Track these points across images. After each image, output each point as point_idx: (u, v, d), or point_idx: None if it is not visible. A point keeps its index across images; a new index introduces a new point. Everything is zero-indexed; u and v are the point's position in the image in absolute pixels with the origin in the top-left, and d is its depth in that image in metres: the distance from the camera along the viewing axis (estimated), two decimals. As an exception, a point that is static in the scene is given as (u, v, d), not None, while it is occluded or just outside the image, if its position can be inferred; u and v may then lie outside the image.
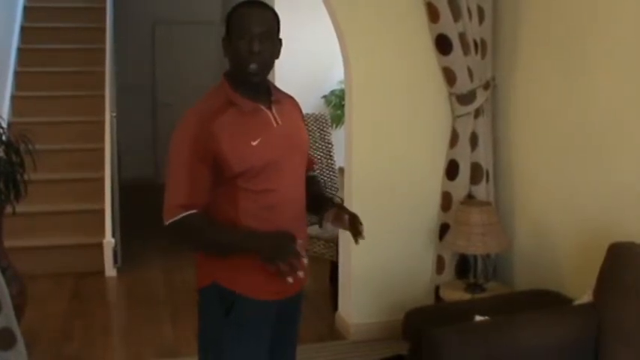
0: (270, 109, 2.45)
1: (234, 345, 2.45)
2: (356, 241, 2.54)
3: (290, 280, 2.26)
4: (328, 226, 2.63)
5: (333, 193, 5.63)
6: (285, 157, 2.44)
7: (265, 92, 2.47)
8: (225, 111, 2.35)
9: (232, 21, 2.37)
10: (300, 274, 2.28)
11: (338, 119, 6.41)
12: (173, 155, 2.37)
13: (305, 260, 2.31)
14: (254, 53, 2.33)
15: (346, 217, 2.56)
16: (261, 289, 2.45)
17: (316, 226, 5.36)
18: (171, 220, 2.33)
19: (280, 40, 2.46)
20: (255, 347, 2.49)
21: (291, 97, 2.62)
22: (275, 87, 2.54)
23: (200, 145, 2.31)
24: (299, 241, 2.35)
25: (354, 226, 2.53)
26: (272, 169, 2.41)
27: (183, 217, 2.32)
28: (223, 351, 2.45)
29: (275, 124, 2.45)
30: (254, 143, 2.36)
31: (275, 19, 2.43)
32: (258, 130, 2.39)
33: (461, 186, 4.47)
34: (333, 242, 5.00)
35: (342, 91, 5.65)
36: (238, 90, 2.39)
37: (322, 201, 2.67)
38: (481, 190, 4.45)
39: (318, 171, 5.59)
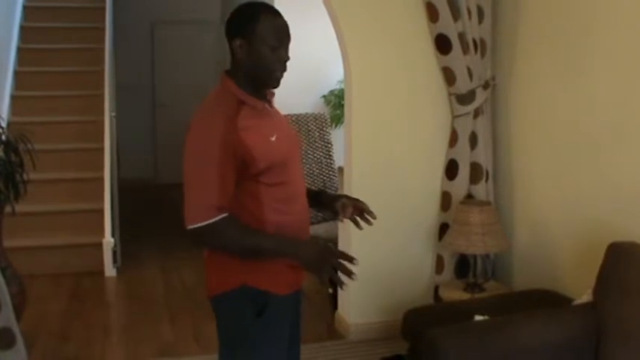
0: (271, 108, 2.52)
1: (268, 344, 2.46)
2: (359, 226, 2.65)
3: (344, 285, 2.30)
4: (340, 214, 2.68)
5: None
6: (291, 152, 2.52)
7: (264, 94, 2.51)
8: (241, 110, 2.37)
9: (261, 28, 2.37)
10: (354, 276, 2.32)
11: (337, 119, 6.41)
12: (200, 155, 2.32)
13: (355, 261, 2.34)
14: (284, 63, 2.40)
15: (350, 207, 2.66)
16: (284, 283, 2.48)
17: (316, 226, 5.38)
18: (205, 223, 2.28)
19: None
20: (284, 344, 2.53)
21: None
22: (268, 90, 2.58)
23: (229, 145, 2.29)
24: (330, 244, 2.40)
25: (362, 213, 2.64)
26: (288, 163, 2.47)
27: (220, 219, 2.28)
28: (258, 351, 2.44)
29: (278, 121, 2.53)
30: (272, 139, 2.41)
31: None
32: (272, 127, 2.45)
33: (460, 186, 4.47)
34: (333, 242, 5.00)
35: (342, 90, 5.65)
36: (246, 90, 2.41)
37: (318, 195, 2.75)
38: (480, 190, 4.45)
39: (317, 171, 5.59)
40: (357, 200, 2.69)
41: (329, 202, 2.70)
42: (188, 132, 2.36)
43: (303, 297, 2.70)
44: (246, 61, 2.39)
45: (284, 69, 2.42)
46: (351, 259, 2.34)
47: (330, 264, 2.30)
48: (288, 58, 2.42)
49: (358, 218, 2.66)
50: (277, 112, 2.58)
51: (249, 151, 2.31)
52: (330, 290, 5.00)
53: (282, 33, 2.40)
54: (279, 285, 2.45)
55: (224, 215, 2.29)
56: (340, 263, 2.33)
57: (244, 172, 2.34)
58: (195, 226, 2.28)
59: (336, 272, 2.31)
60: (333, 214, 2.70)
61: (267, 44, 2.37)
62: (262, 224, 2.40)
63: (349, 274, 2.31)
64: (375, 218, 2.61)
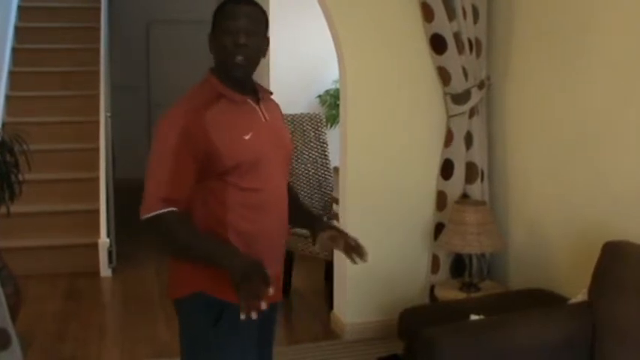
0: (257, 104, 2.45)
1: (226, 351, 2.39)
2: (354, 261, 2.52)
3: (242, 316, 2.05)
4: (318, 246, 2.62)
5: (321, 212, 5.63)
6: (272, 155, 2.42)
7: (251, 90, 2.46)
8: (215, 103, 2.33)
9: (219, 16, 2.38)
10: (263, 305, 2.06)
11: (333, 119, 6.41)
12: (158, 145, 2.32)
13: (271, 291, 2.11)
14: (240, 46, 2.32)
15: (342, 240, 2.54)
16: None
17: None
18: (148, 215, 2.28)
19: (267, 39, 2.45)
20: (247, 348, 2.44)
21: (273, 98, 2.60)
22: (260, 86, 2.54)
23: (189, 138, 2.25)
24: (269, 274, 2.19)
25: (353, 250, 2.51)
26: (261, 165, 2.37)
27: (163, 213, 2.26)
28: (216, 357, 2.39)
29: (263, 120, 2.44)
30: (246, 137, 2.33)
31: (263, 16, 2.43)
32: (249, 124, 2.38)
33: (456, 185, 4.47)
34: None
35: (337, 90, 5.65)
36: (226, 84, 2.38)
37: (313, 219, 2.70)
38: (476, 190, 4.46)
39: (313, 171, 5.59)
40: (349, 237, 2.56)
41: (319, 228, 2.60)
42: (158, 122, 2.38)
43: (280, 304, 2.65)
44: (214, 53, 2.41)
45: (245, 54, 2.34)
46: (261, 295, 2.09)
47: (250, 285, 2.10)
48: (244, 42, 2.32)
49: (354, 254, 2.52)
50: (271, 112, 2.50)
51: (213, 146, 2.26)
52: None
53: (236, 16, 2.34)
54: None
55: (171, 209, 2.25)
56: (258, 290, 2.09)
57: (209, 168, 2.28)
58: (145, 216, 2.29)
59: (252, 296, 2.07)
60: (313, 241, 2.62)
61: (224, 31, 2.34)
62: (224, 227, 2.32)
63: (258, 307, 2.06)
64: (366, 261, 2.51)
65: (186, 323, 2.44)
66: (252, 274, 2.13)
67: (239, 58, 2.34)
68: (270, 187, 2.42)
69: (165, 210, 2.25)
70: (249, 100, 2.42)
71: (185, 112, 2.32)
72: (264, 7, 7.12)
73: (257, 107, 2.44)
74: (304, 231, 5.22)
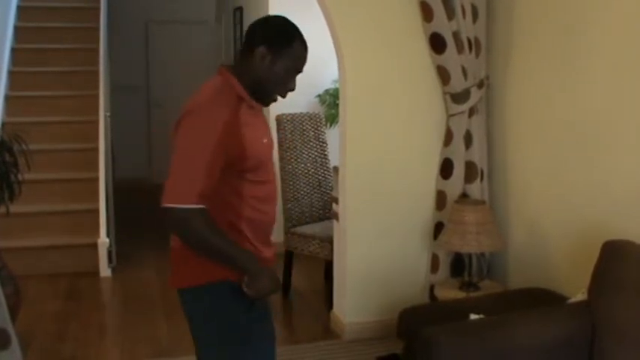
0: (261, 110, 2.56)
1: (259, 336, 2.47)
2: None
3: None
4: None
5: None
6: (271, 155, 2.59)
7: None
8: (240, 105, 2.40)
9: (290, 52, 2.43)
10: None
11: (332, 118, 6.41)
12: (197, 138, 2.30)
13: None
14: (289, 91, 2.48)
15: None
16: None
17: (311, 225, 5.39)
18: (182, 206, 2.25)
19: None
20: (271, 335, 2.56)
21: None
22: None
23: (228, 134, 2.29)
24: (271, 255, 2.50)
25: None
26: (268, 164, 2.52)
27: (198, 209, 2.26)
28: (254, 347, 2.45)
29: (267, 126, 2.58)
30: (265, 141, 2.47)
31: None
32: (264, 129, 2.51)
33: (455, 185, 4.47)
34: (328, 241, 5.01)
35: (337, 90, 5.65)
36: (247, 91, 2.44)
37: None
38: (475, 189, 4.46)
39: (312, 170, 5.59)
40: None
41: None
42: (186, 113, 2.35)
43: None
44: (260, 71, 2.41)
45: (284, 96, 2.50)
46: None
47: (270, 293, 2.39)
48: (294, 89, 2.49)
49: None
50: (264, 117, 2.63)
51: (243, 147, 2.33)
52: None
53: (302, 65, 2.47)
54: None
55: (202, 206, 2.26)
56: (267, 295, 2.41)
57: (233, 166, 2.34)
58: (172, 206, 2.25)
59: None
60: None
61: (287, 68, 2.43)
62: (239, 218, 2.41)
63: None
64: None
65: (212, 309, 2.43)
66: (273, 285, 2.38)
67: (277, 98, 2.49)
68: (272, 179, 2.54)
69: (199, 206, 2.26)
70: (260, 107, 2.52)
71: (225, 108, 2.34)
72: (264, 7, 7.11)
73: (262, 114, 2.56)
74: (304, 230, 5.27)
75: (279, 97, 2.51)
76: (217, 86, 2.43)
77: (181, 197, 2.26)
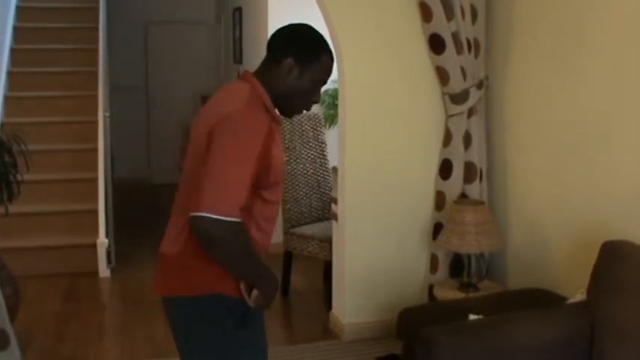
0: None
1: (252, 354, 2.41)
2: None
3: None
4: None
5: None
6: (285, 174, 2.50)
7: None
8: (267, 117, 2.31)
9: (319, 65, 2.37)
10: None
11: (331, 119, 6.41)
12: (242, 148, 2.18)
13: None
14: (314, 103, 2.44)
15: None
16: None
17: (310, 226, 5.39)
18: (225, 218, 2.10)
19: None
20: (265, 346, 2.49)
21: None
22: None
23: (265, 146, 2.21)
24: None
25: None
26: (281, 184, 2.43)
27: (239, 222, 2.14)
28: (246, 354, 2.38)
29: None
30: (284, 157, 2.40)
31: None
32: (282, 144, 2.41)
33: (454, 185, 4.48)
34: (327, 242, 5.01)
35: (336, 90, 5.65)
36: (272, 101, 2.37)
37: None
38: (474, 190, 4.46)
39: (312, 171, 5.59)
40: None
41: None
42: (227, 117, 2.21)
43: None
44: (286, 84, 2.34)
45: (309, 109, 2.46)
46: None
47: (269, 305, 2.36)
48: (318, 101, 2.45)
49: None
50: None
51: (270, 162, 2.24)
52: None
53: (329, 76, 2.43)
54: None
55: (241, 220, 2.15)
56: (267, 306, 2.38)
57: (256, 181, 2.23)
58: (213, 216, 2.09)
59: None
60: None
61: (314, 80, 2.37)
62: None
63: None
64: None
65: (206, 321, 2.34)
66: (270, 302, 2.34)
67: (302, 111, 2.44)
68: (280, 201, 2.48)
69: (239, 219, 2.14)
70: (281, 122, 2.45)
71: (265, 119, 2.27)
72: (263, 8, 7.10)
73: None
74: (303, 231, 5.27)
75: (302, 112, 2.46)
76: (250, 93, 2.32)
77: (225, 208, 2.11)
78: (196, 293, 2.32)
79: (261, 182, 2.25)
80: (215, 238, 2.12)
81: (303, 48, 2.36)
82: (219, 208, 2.10)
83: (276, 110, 2.40)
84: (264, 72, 2.38)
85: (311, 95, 2.41)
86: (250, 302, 2.30)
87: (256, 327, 2.43)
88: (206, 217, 2.09)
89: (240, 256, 2.22)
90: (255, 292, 2.29)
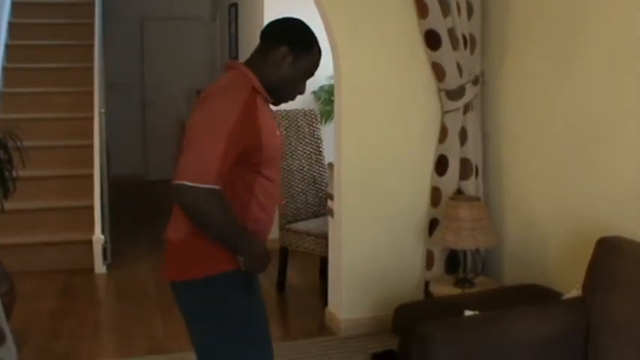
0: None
1: (262, 318, 2.54)
2: None
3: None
4: None
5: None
6: (282, 152, 2.67)
7: None
8: (256, 98, 2.42)
9: (309, 57, 2.52)
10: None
11: (327, 115, 6.41)
12: (216, 121, 2.31)
13: None
14: (298, 94, 2.58)
15: None
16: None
17: (306, 222, 5.39)
18: (198, 185, 2.24)
19: None
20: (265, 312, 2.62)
21: None
22: None
23: (245, 121, 2.32)
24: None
25: None
26: (278, 161, 2.56)
27: (214, 189, 2.25)
28: (260, 328, 2.52)
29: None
30: (277, 133, 2.51)
31: None
32: (274, 123, 2.54)
33: (450, 181, 4.48)
34: (323, 238, 5.01)
35: (332, 86, 5.65)
36: (263, 85, 2.48)
37: None
38: (470, 186, 4.46)
39: (307, 167, 5.59)
40: None
41: None
42: (206, 96, 2.39)
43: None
44: (279, 71, 2.48)
45: (294, 99, 2.60)
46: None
47: (256, 271, 2.49)
48: (303, 92, 2.59)
49: None
50: None
51: (259, 136, 2.35)
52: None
53: (315, 70, 2.57)
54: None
55: (217, 187, 2.26)
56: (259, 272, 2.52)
57: (246, 157, 2.36)
58: (187, 183, 2.24)
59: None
60: None
61: (304, 71, 2.51)
62: (247, 213, 2.43)
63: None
64: None
65: (214, 301, 2.44)
66: (266, 260, 2.48)
67: (288, 100, 2.56)
68: (279, 179, 2.61)
69: (214, 186, 2.26)
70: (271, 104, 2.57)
71: (244, 91, 2.38)
72: (259, 4, 7.07)
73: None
74: (299, 227, 5.27)
75: (291, 100, 2.58)
76: (233, 78, 2.46)
77: (199, 176, 2.25)
78: (204, 274, 2.44)
79: (254, 159, 2.39)
80: (190, 204, 2.27)
81: (297, 39, 2.50)
82: (192, 176, 2.24)
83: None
84: (256, 60, 2.52)
85: (298, 86, 2.54)
86: (242, 267, 2.42)
87: (259, 294, 2.59)
88: (181, 184, 2.24)
89: (218, 223, 2.32)
90: (242, 258, 2.41)
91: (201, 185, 2.24)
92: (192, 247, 2.43)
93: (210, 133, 2.29)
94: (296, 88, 2.55)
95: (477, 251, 4.35)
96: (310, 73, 2.54)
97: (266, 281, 5.34)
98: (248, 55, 2.58)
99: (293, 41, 2.48)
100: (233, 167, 2.33)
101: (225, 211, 2.32)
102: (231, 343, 2.46)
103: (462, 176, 4.48)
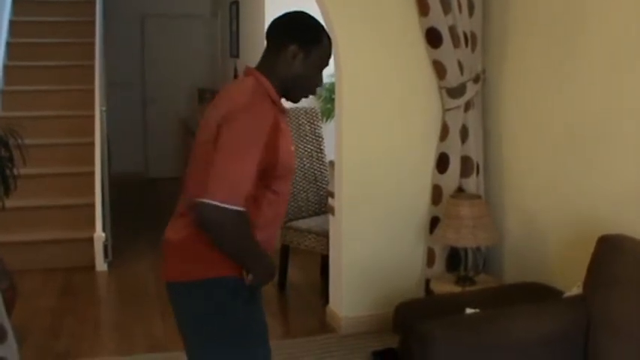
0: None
1: (262, 325, 2.50)
2: None
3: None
4: None
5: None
6: (295, 165, 2.57)
7: None
8: (278, 115, 2.37)
9: (321, 49, 2.45)
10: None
11: (328, 113, 6.41)
12: (248, 137, 2.25)
13: None
14: (317, 87, 2.50)
15: None
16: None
17: (307, 220, 5.39)
18: (229, 206, 2.18)
19: None
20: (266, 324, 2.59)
21: None
22: None
23: (270, 137, 2.28)
24: None
25: None
26: (290, 177, 2.51)
27: (243, 212, 2.23)
28: (259, 335, 2.48)
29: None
30: (292, 148, 2.45)
31: None
32: (291, 136, 2.48)
33: (451, 179, 4.48)
34: (324, 236, 5.01)
35: (333, 84, 5.64)
36: (277, 92, 2.43)
37: None
38: (471, 184, 4.46)
39: (308, 165, 5.59)
40: None
41: None
42: (236, 109, 2.28)
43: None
44: (293, 70, 2.42)
45: (314, 92, 2.52)
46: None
47: (261, 284, 2.43)
48: (321, 84, 2.51)
49: None
50: None
51: (277, 154, 2.31)
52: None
53: (329, 59, 2.50)
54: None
55: (245, 209, 2.23)
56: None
57: (262, 174, 2.30)
58: (216, 203, 2.17)
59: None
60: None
61: (317, 64, 2.45)
62: (253, 229, 2.36)
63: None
64: None
65: (214, 305, 2.39)
66: (272, 274, 2.44)
67: (307, 96, 2.50)
68: (288, 192, 2.53)
69: (242, 209, 2.22)
70: (287, 113, 2.51)
71: (270, 110, 2.33)
72: (260, 1, 7.06)
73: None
74: (300, 225, 5.27)
75: (308, 96, 2.52)
76: (253, 85, 2.38)
77: (228, 197, 2.19)
78: (205, 277, 2.38)
79: (268, 174, 2.33)
80: (214, 223, 2.21)
81: (304, 34, 2.44)
82: (221, 196, 2.18)
83: (282, 99, 2.46)
84: (267, 63, 2.45)
85: (315, 79, 2.48)
86: (247, 281, 2.37)
87: (260, 302, 2.53)
88: (208, 203, 2.18)
89: (238, 244, 2.30)
90: (250, 276, 2.37)
91: (230, 207, 2.19)
92: (194, 249, 2.38)
93: (239, 154, 2.23)
94: (313, 82, 2.48)
95: (478, 249, 4.35)
96: (324, 64, 2.48)
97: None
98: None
99: (301, 37, 2.41)
100: None
101: (249, 234, 2.30)
102: (228, 349, 2.42)
103: (462, 174, 4.48)
